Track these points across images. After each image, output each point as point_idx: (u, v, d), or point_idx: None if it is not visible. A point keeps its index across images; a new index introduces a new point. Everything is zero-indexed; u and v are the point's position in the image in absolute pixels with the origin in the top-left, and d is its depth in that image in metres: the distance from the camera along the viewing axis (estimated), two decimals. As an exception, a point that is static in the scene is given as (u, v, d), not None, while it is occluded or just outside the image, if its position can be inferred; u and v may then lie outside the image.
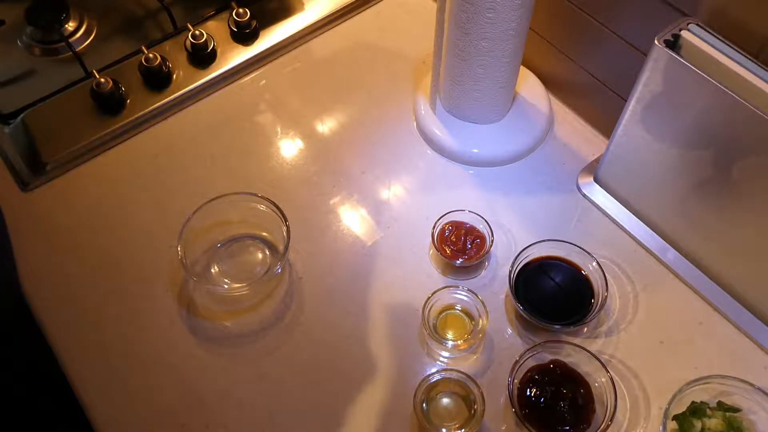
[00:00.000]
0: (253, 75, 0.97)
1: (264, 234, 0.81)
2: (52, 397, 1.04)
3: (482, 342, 0.74)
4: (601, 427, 0.66)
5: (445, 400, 0.70)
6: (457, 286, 0.75)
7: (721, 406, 0.67)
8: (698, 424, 0.65)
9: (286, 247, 0.75)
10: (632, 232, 0.81)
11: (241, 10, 0.97)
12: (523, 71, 0.92)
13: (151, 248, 0.81)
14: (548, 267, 0.77)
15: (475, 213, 0.79)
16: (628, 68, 0.76)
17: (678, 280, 0.78)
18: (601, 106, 0.87)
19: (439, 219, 0.79)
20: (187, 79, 0.94)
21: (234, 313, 0.77)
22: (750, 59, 0.62)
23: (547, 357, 0.70)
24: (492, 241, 0.78)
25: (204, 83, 0.94)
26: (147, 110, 0.91)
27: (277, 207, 0.78)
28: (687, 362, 0.72)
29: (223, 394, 0.72)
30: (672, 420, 0.66)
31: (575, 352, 0.70)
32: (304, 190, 0.86)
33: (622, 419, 0.69)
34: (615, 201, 0.82)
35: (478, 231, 0.79)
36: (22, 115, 0.90)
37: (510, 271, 0.75)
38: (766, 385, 0.67)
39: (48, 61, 0.97)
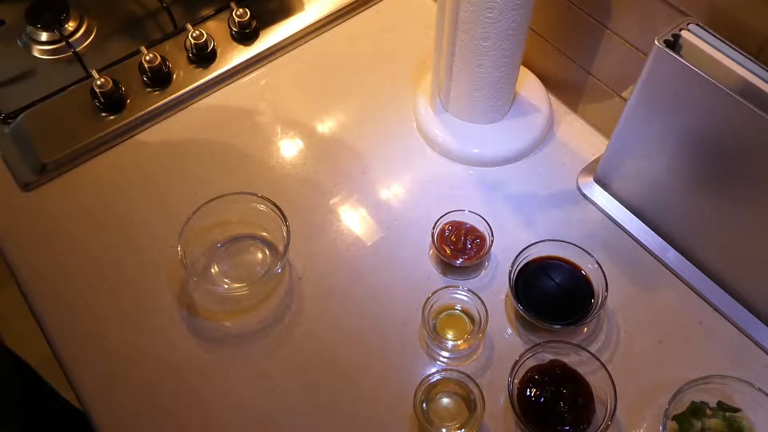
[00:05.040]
0: (253, 75, 0.97)
1: (264, 234, 0.81)
2: (51, 398, 1.04)
3: (482, 342, 0.74)
4: (601, 427, 0.66)
5: (445, 400, 0.70)
6: (457, 286, 0.75)
7: (721, 406, 0.67)
8: (698, 424, 0.65)
9: (286, 247, 0.75)
10: (632, 232, 0.81)
11: (241, 10, 0.97)
12: (523, 71, 0.92)
13: (151, 248, 0.81)
14: (548, 267, 0.77)
15: (475, 213, 0.79)
16: (628, 68, 0.76)
17: (678, 280, 0.78)
18: (601, 106, 0.87)
19: (439, 219, 0.79)
20: (187, 79, 0.94)
21: (234, 313, 0.77)
22: (750, 59, 0.62)
23: (547, 357, 0.70)
24: (492, 241, 0.78)
25: (204, 83, 0.94)
26: (147, 110, 0.91)
27: (277, 207, 0.78)
28: (687, 362, 0.72)
29: (223, 394, 0.72)
30: (672, 420, 0.66)
31: (575, 352, 0.70)
32: (304, 190, 0.86)
33: (622, 419, 0.69)
34: (615, 201, 0.82)
35: (478, 231, 0.79)
36: (22, 115, 0.90)
37: (510, 271, 0.75)
38: (766, 385, 0.67)
39: (48, 61, 0.97)
